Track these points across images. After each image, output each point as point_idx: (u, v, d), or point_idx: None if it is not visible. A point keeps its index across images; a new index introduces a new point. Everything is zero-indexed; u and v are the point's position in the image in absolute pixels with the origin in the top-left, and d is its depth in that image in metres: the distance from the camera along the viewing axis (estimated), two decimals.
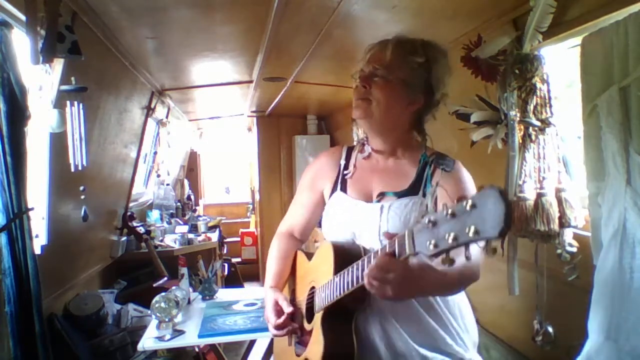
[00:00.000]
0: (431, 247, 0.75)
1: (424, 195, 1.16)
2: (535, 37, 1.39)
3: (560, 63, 1.49)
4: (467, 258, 0.72)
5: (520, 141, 1.46)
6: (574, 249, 1.39)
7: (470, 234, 0.68)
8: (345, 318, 1.11)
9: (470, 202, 0.69)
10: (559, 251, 1.40)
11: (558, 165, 1.44)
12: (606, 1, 1.18)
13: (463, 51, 1.55)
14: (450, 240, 0.71)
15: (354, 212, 1.21)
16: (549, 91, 1.44)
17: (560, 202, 1.41)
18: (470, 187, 1.17)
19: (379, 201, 1.20)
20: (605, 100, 1.15)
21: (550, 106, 1.44)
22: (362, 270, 0.97)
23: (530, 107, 1.43)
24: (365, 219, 1.18)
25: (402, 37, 1.19)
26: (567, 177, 1.44)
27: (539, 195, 1.42)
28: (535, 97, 1.43)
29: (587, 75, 1.23)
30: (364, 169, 1.28)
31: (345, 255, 1.13)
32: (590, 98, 1.21)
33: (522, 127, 1.46)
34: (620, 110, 1.12)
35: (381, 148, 1.26)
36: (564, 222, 1.40)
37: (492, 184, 0.67)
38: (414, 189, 1.18)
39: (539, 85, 1.43)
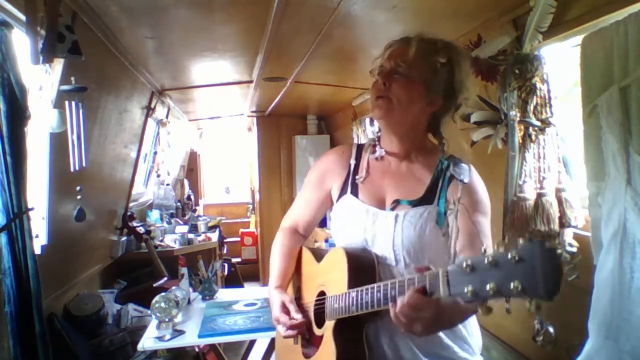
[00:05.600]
0: (469, 294, 0.73)
1: (439, 205, 1.14)
2: (535, 37, 1.39)
3: (567, 62, 1.49)
4: (507, 311, 0.70)
5: (520, 141, 1.46)
6: (574, 249, 1.38)
7: (516, 291, 0.66)
8: (356, 328, 1.10)
9: (516, 255, 0.67)
10: (559, 251, 1.40)
11: (558, 165, 1.44)
12: (606, 1, 1.18)
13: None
14: (491, 292, 0.70)
15: (366, 218, 1.19)
16: (549, 91, 1.44)
17: (560, 202, 1.41)
18: (484, 197, 1.15)
19: (392, 209, 1.17)
20: (605, 100, 1.15)
21: (550, 106, 1.44)
22: (384, 295, 0.96)
23: (530, 107, 1.43)
24: (379, 227, 1.16)
25: (426, 35, 1.15)
26: (567, 177, 1.44)
27: (539, 195, 1.42)
28: (535, 97, 1.43)
29: (587, 75, 1.23)
30: (375, 171, 1.25)
31: (359, 266, 1.12)
32: (590, 98, 1.21)
33: (522, 127, 1.46)
34: (620, 110, 1.12)
35: (395, 150, 1.23)
36: (564, 222, 1.40)
37: (541, 240, 0.65)
38: (429, 198, 1.15)
39: (539, 85, 1.43)
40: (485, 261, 0.71)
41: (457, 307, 0.89)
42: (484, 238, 1.09)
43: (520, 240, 0.68)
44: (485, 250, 0.73)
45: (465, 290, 0.74)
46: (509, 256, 0.67)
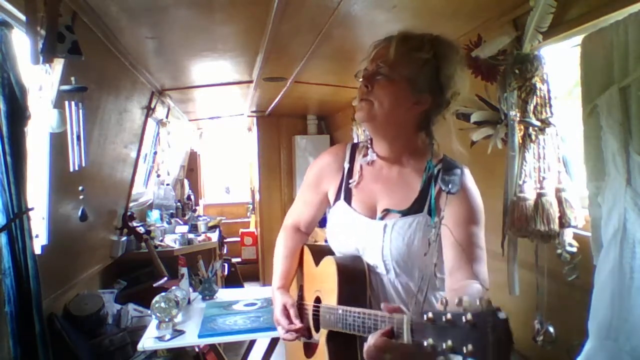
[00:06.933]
0: (428, 346, 0.74)
1: (429, 213, 1.12)
2: (535, 37, 1.39)
3: (567, 62, 1.48)
4: None
5: (520, 141, 1.46)
6: (574, 249, 1.38)
7: (469, 354, 0.67)
8: (350, 337, 1.11)
9: (470, 318, 0.67)
10: (559, 251, 1.40)
11: (558, 165, 1.44)
12: (606, 1, 1.18)
13: (463, 51, 1.55)
14: (447, 350, 0.71)
15: (357, 227, 1.18)
16: (549, 91, 1.44)
17: (560, 202, 1.41)
18: (476, 205, 1.13)
19: (382, 218, 1.16)
20: (605, 100, 1.15)
21: (550, 106, 1.44)
22: (362, 323, 0.98)
23: (530, 107, 1.43)
24: (369, 236, 1.16)
25: (408, 32, 1.10)
26: (567, 177, 1.44)
27: (539, 195, 1.42)
28: (535, 97, 1.43)
29: (587, 75, 1.23)
30: (368, 176, 1.23)
31: (349, 278, 1.14)
32: (590, 98, 1.21)
33: (522, 127, 1.46)
34: (620, 110, 1.12)
35: (386, 154, 1.21)
36: (564, 222, 1.40)
37: (498, 308, 0.65)
38: (418, 206, 1.14)
39: (539, 85, 1.43)
40: (443, 318, 0.72)
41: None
42: (476, 249, 1.08)
43: (478, 302, 0.68)
44: (446, 302, 0.73)
45: (425, 342, 0.74)
46: (464, 319, 0.68)
